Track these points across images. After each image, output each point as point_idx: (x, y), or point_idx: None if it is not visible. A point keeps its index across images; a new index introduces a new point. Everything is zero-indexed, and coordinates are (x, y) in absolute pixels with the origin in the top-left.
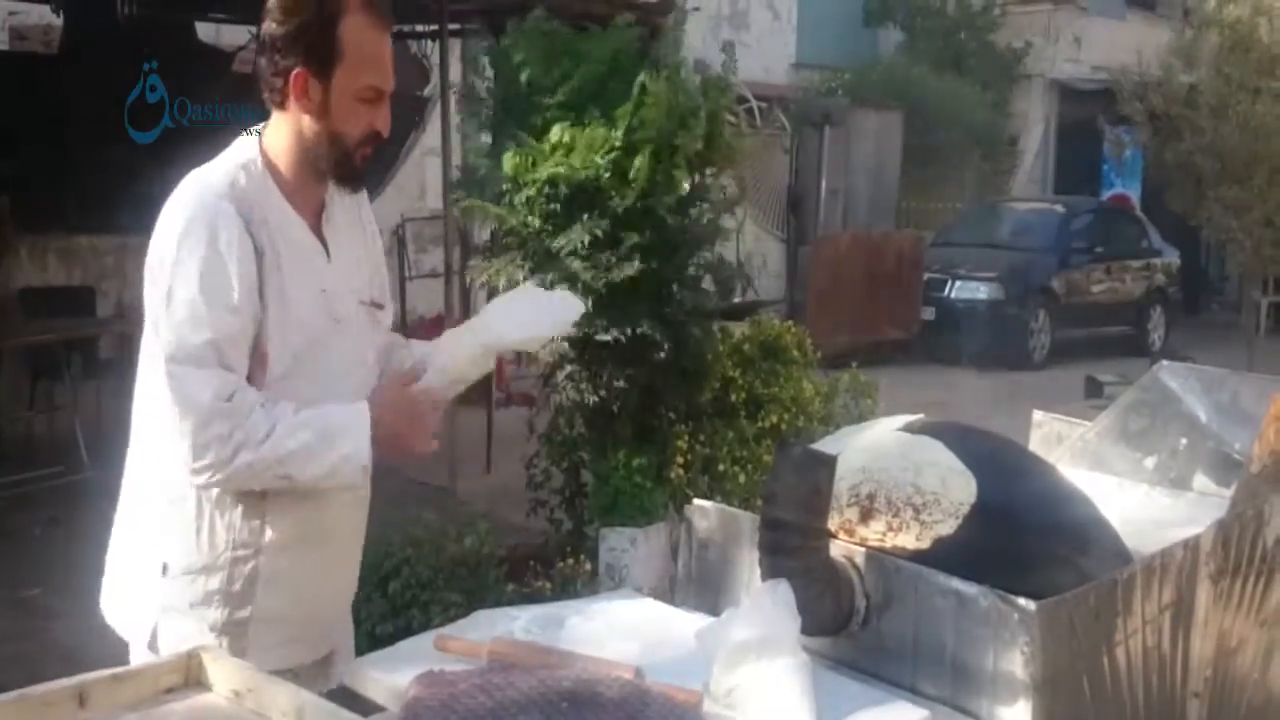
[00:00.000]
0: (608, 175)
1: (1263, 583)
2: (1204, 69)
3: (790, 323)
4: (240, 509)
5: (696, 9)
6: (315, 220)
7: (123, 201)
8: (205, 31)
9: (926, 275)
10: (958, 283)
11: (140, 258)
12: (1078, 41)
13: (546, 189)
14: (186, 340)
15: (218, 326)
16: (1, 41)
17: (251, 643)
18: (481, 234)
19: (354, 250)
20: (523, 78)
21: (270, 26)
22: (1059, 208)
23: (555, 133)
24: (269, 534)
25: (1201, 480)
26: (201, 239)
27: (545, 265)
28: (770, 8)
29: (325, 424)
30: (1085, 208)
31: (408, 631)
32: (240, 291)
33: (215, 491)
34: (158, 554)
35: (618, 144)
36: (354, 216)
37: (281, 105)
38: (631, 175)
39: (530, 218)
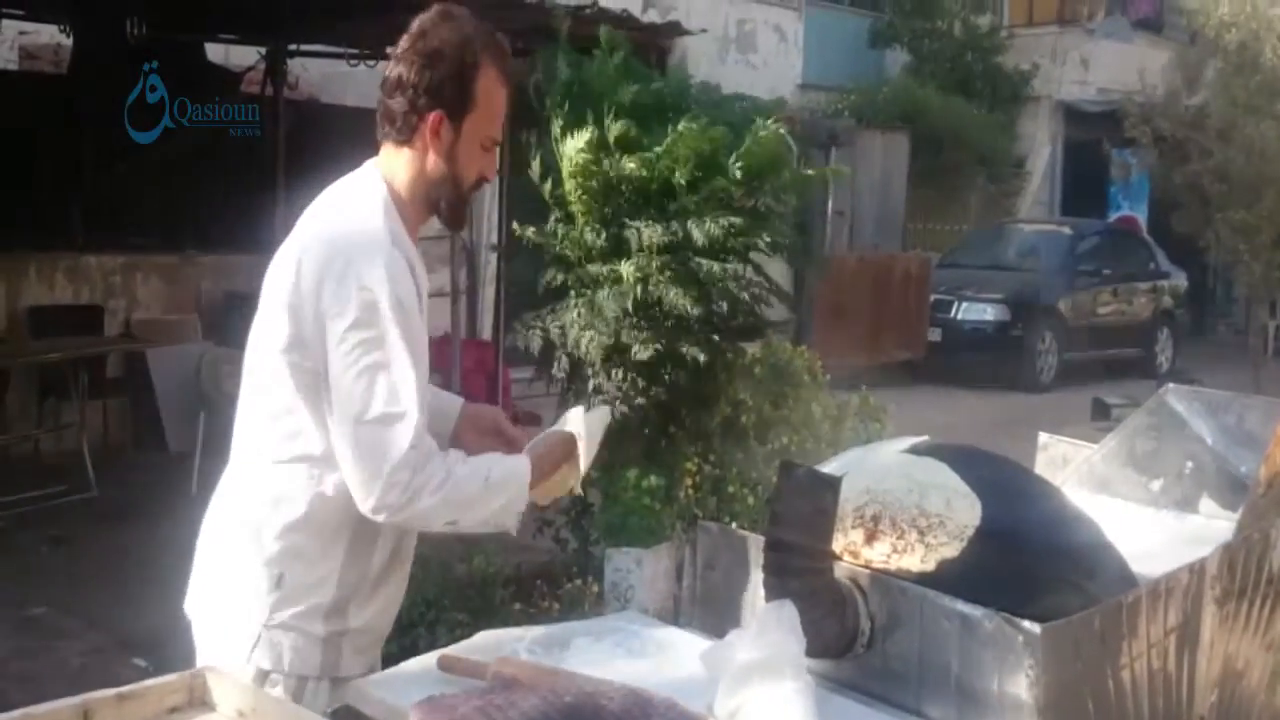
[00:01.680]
0: (676, 177)
1: (1269, 606)
2: (1209, 91)
3: (802, 346)
4: (355, 530)
5: (704, 30)
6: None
7: (131, 221)
8: (214, 53)
9: (933, 297)
10: (964, 304)
11: (147, 275)
12: (1084, 64)
13: (619, 184)
14: (388, 386)
15: (415, 374)
16: (11, 61)
17: (344, 654)
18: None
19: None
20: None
21: (408, 72)
22: (1066, 229)
23: (618, 128)
24: (376, 555)
25: (1208, 503)
26: (385, 290)
27: (596, 291)
28: (777, 29)
29: (492, 475)
30: (1092, 229)
31: (413, 651)
32: (419, 333)
33: (336, 513)
34: (271, 568)
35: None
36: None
37: (407, 142)
38: (683, 179)
39: (585, 230)
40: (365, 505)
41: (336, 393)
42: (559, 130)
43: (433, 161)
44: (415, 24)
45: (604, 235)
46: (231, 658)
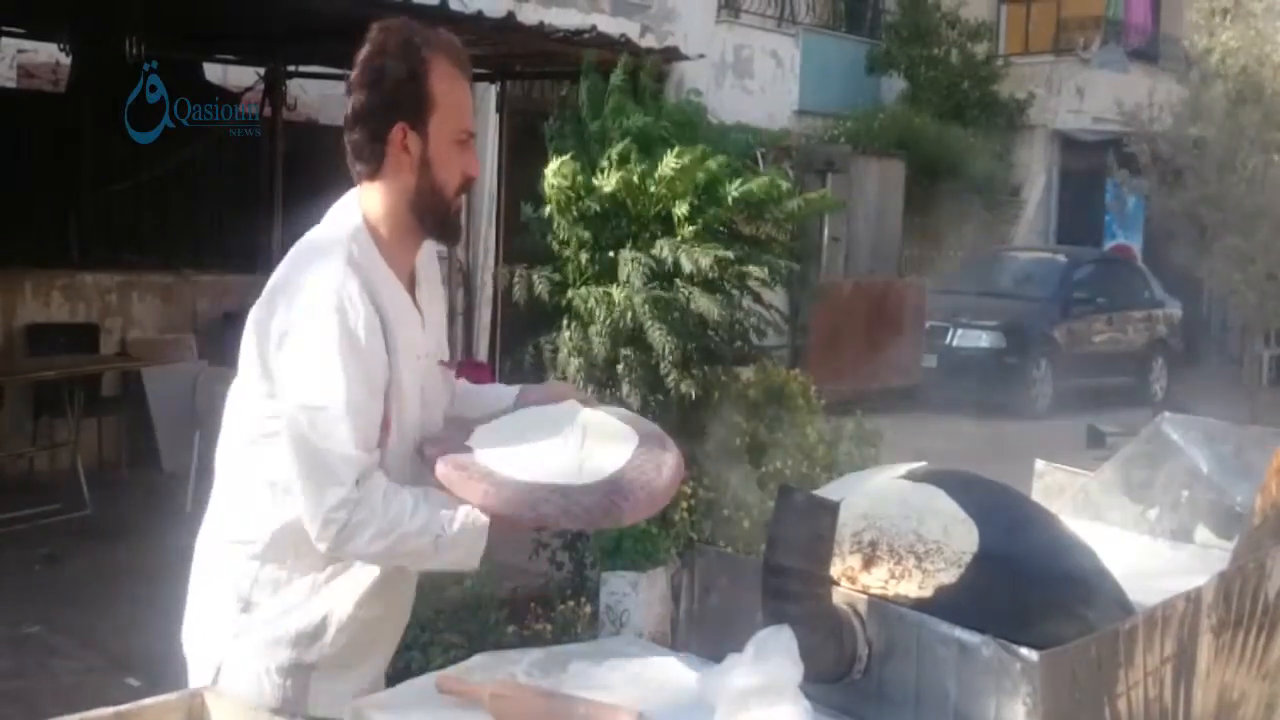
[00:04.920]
0: (676, 209)
1: (1264, 635)
2: (1211, 121)
3: (796, 370)
4: (326, 561)
5: (702, 56)
6: (410, 285)
7: (128, 240)
8: (212, 73)
9: (929, 323)
10: (960, 331)
11: (143, 294)
12: (1080, 93)
13: (604, 204)
14: (327, 421)
15: (360, 410)
16: (10, 79)
17: (311, 688)
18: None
19: (437, 313)
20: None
21: (360, 97)
22: (1061, 257)
23: (619, 151)
24: (352, 588)
25: (1203, 532)
26: (333, 319)
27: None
28: (774, 55)
29: (443, 532)
30: (1087, 258)
31: (407, 673)
32: (376, 368)
33: (303, 542)
34: (240, 591)
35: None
36: (431, 272)
37: (376, 174)
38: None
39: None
40: (311, 534)
41: (285, 427)
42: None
43: (408, 179)
44: (359, 53)
45: (596, 259)
46: (199, 684)
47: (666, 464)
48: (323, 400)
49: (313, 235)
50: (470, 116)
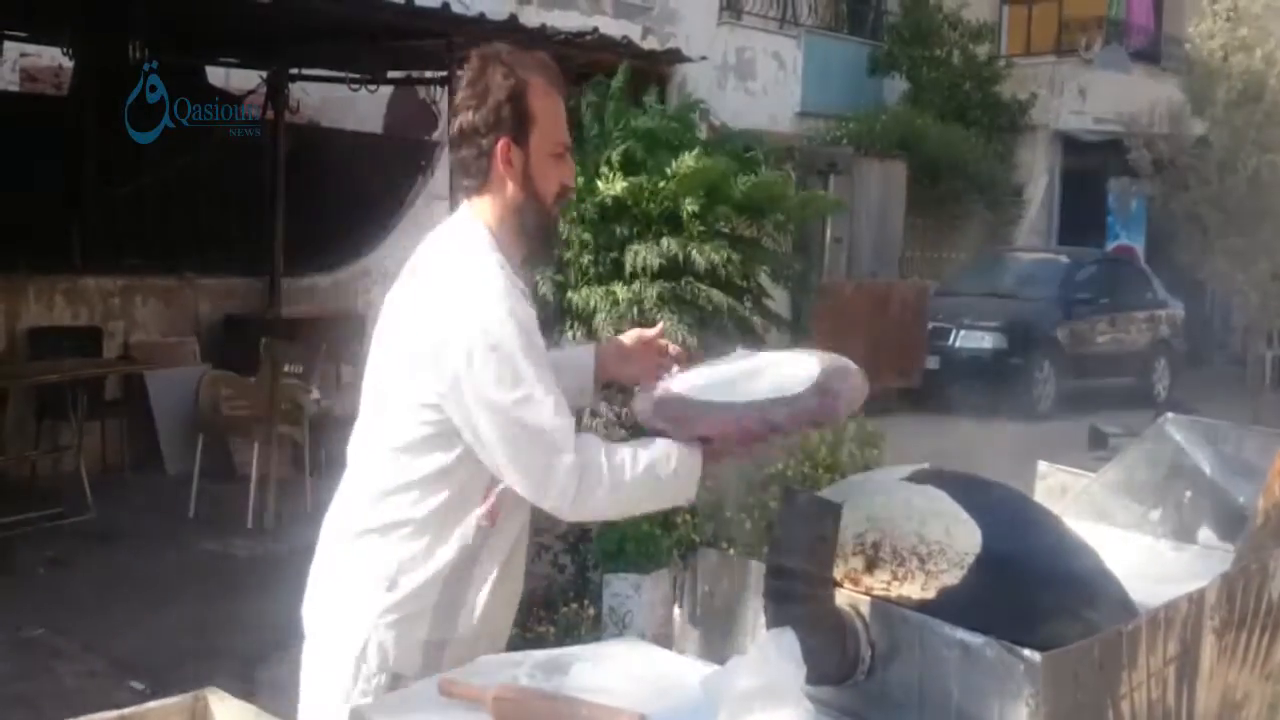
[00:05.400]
0: (686, 204)
1: (1268, 637)
2: (1212, 121)
3: None
4: (463, 545)
5: (704, 58)
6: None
7: (130, 243)
8: (215, 76)
9: (931, 325)
10: (962, 332)
11: (146, 298)
12: (1082, 94)
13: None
14: (533, 405)
15: (551, 386)
16: (13, 83)
17: (446, 659)
18: None
19: None
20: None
21: (467, 118)
22: (1063, 258)
23: (621, 153)
24: (480, 569)
25: (1206, 533)
26: (508, 319)
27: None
28: (776, 57)
29: (663, 472)
30: (1090, 258)
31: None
32: (543, 351)
33: (444, 514)
34: (387, 572)
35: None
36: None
37: (483, 188)
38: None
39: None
40: (550, 509)
41: (492, 432)
42: None
43: (512, 190)
44: (462, 76)
45: (600, 260)
46: (341, 658)
47: (850, 366)
48: (523, 391)
49: (448, 247)
50: (565, 131)
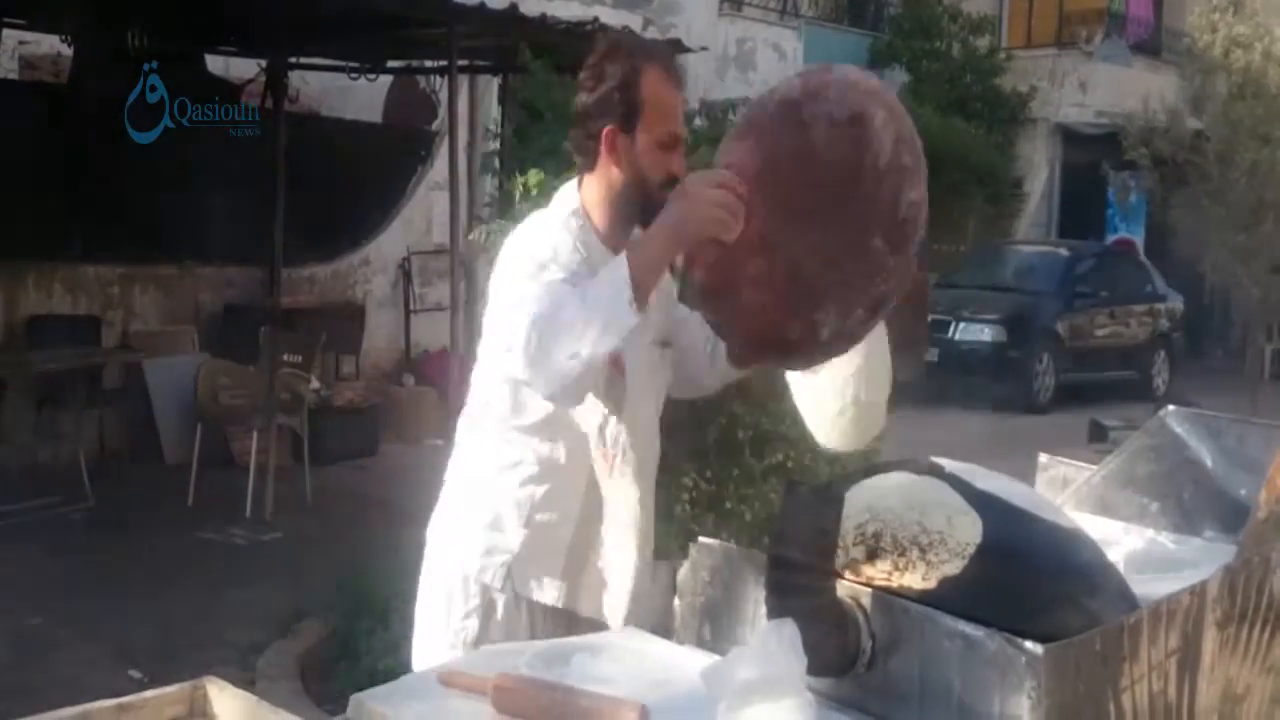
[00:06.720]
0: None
1: (1269, 630)
2: (1210, 115)
3: None
4: (588, 485)
5: (704, 48)
6: None
7: (129, 232)
8: (214, 65)
9: (931, 317)
10: (962, 325)
11: (145, 286)
12: (1083, 86)
13: None
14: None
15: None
16: (11, 71)
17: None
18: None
19: (661, 298)
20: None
21: (581, 99)
22: (1063, 251)
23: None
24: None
25: (1208, 526)
26: (528, 249)
27: None
28: (776, 49)
29: (591, 296)
30: (1090, 251)
31: (410, 664)
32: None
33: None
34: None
35: None
36: None
37: (590, 168)
38: None
39: None
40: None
41: (491, 319)
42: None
43: (615, 175)
44: (587, 58)
45: None
46: (464, 572)
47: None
48: (519, 291)
49: (535, 215)
50: (678, 122)
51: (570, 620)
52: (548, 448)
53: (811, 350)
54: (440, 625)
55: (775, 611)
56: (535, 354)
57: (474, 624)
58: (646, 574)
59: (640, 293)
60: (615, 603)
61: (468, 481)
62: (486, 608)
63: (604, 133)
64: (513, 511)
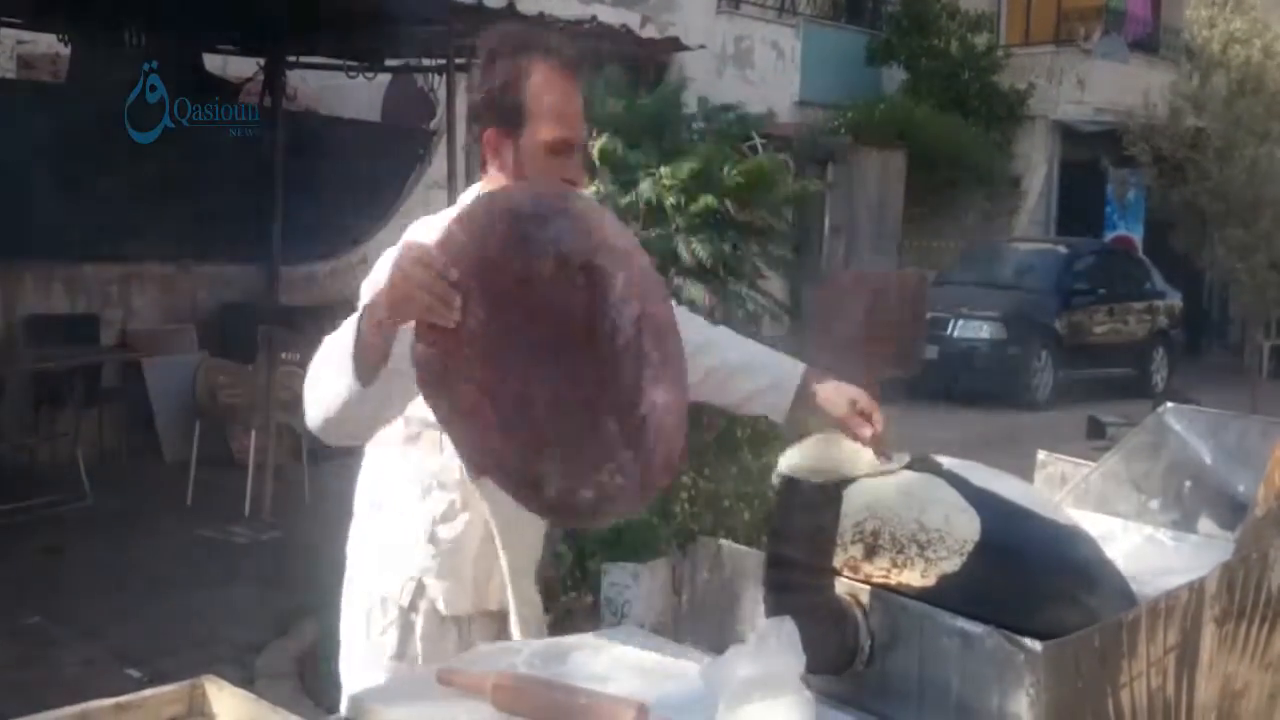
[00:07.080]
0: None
1: (1268, 626)
2: (1210, 112)
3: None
4: (426, 466)
5: (702, 46)
6: None
7: (128, 231)
8: (212, 64)
9: (930, 314)
10: (960, 322)
11: (143, 285)
12: (1081, 84)
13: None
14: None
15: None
16: (9, 70)
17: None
18: None
19: None
20: None
21: (471, 99)
22: (1062, 248)
23: (606, 141)
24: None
25: (1206, 523)
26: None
27: None
28: (774, 47)
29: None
30: (1088, 249)
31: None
32: None
33: (417, 453)
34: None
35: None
36: None
37: (483, 170)
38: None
39: None
40: None
41: None
42: None
43: (504, 181)
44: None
45: None
46: (381, 593)
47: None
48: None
49: (427, 219)
50: (572, 126)
51: (502, 623)
52: (437, 461)
53: (531, 499)
54: (360, 645)
55: (774, 609)
56: (307, 387)
57: (391, 640)
58: (534, 571)
59: (363, 359)
60: (518, 601)
61: (372, 502)
62: (405, 627)
63: (486, 136)
64: (415, 528)
